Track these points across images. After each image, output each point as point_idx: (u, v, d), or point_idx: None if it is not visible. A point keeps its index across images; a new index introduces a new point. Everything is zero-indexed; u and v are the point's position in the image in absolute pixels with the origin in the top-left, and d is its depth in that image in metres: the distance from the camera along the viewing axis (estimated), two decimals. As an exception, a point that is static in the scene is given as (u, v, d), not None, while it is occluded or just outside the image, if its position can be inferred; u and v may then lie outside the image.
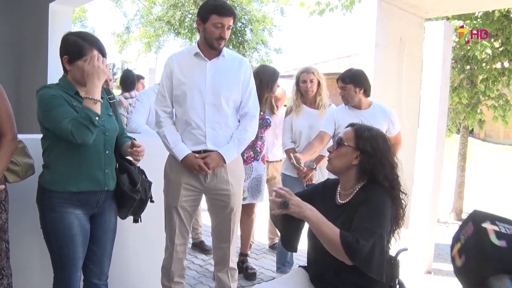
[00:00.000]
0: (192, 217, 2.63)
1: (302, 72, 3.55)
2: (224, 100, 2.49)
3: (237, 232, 2.70)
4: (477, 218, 1.07)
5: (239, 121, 2.65)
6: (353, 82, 3.15)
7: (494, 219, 1.07)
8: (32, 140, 2.22)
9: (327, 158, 2.04)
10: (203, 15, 2.42)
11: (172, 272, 2.61)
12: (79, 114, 1.91)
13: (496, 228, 1.05)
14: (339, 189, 2.01)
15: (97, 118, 1.92)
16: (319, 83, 3.52)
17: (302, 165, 2.76)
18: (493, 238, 1.03)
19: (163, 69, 2.58)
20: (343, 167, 1.94)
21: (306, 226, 2.09)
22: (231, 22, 2.42)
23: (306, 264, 2.10)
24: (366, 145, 1.88)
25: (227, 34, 2.43)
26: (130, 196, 2.20)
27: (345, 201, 1.94)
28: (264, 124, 3.52)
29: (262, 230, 4.70)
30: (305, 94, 3.54)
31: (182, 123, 2.51)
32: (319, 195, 2.08)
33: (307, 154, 2.98)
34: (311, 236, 2.01)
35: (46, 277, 2.16)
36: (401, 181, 1.94)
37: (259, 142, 3.56)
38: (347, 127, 2.04)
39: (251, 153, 3.51)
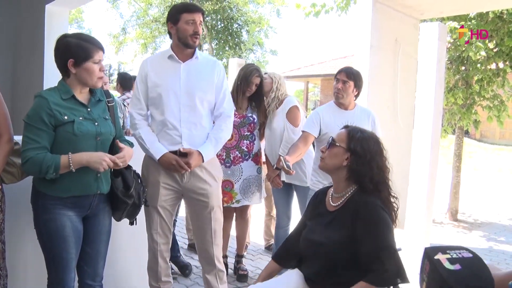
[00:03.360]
0: (173, 216, 2.66)
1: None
2: (198, 101, 2.52)
3: (220, 231, 2.68)
4: (430, 253, 1.17)
5: (214, 122, 2.66)
6: (355, 81, 3.11)
7: (444, 249, 1.18)
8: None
9: (320, 157, 2.06)
10: (174, 16, 2.48)
11: (159, 272, 2.63)
12: (49, 157, 1.92)
13: (448, 256, 1.16)
14: (331, 191, 2.04)
15: (52, 174, 1.93)
16: (276, 87, 3.56)
17: (291, 167, 2.75)
18: (447, 265, 1.13)
19: (138, 72, 2.62)
20: (333, 166, 1.97)
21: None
22: (201, 18, 2.48)
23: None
24: (356, 146, 1.91)
25: (200, 30, 2.48)
26: (123, 200, 2.20)
27: (337, 204, 1.96)
28: (246, 122, 3.47)
29: (258, 231, 4.71)
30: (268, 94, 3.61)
31: (158, 124, 2.54)
32: (311, 207, 2.13)
33: (293, 156, 2.93)
34: (304, 238, 2.03)
35: (41, 277, 2.16)
36: (391, 184, 1.95)
37: (246, 141, 3.49)
38: (342, 128, 2.06)
39: (237, 153, 3.46)
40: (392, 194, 1.94)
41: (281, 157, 2.77)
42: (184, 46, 2.50)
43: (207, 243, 2.63)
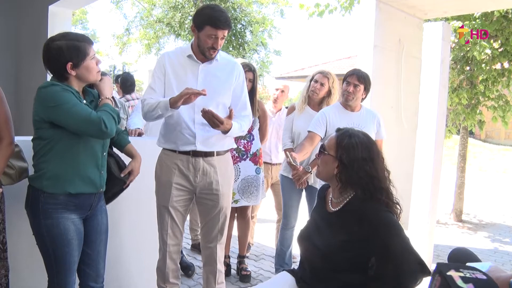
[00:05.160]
0: (184, 217, 2.63)
1: (319, 72, 3.56)
2: (214, 104, 2.46)
3: (225, 232, 2.68)
4: (442, 269, 1.17)
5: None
6: (365, 84, 3.09)
7: (458, 267, 1.19)
8: (30, 142, 2.21)
9: (317, 164, 2.03)
10: (198, 24, 2.40)
11: (167, 273, 2.61)
12: (106, 107, 2.03)
13: (461, 274, 1.16)
14: (330, 195, 1.99)
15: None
16: (330, 92, 3.50)
17: (298, 164, 2.73)
18: (460, 282, 1.13)
19: (156, 64, 2.55)
20: (327, 174, 1.91)
21: (297, 231, 2.08)
22: (225, 33, 2.40)
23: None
24: (343, 154, 1.81)
25: (220, 44, 2.42)
26: (120, 179, 2.23)
27: (336, 209, 1.91)
28: None
29: (262, 232, 4.70)
30: (311, 95, 3.51)
31: (172, 123, 2.51)
32: (316, 206, 2.09)
33: (300, 154, 2.92)
34: (301, 238, 2.01)
35: (42, 277, 2.15)
36: (392, 188, 1.85)
37: (243, 141, 3.50)
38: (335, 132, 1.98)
39: (234, 152, 3.45)
40: (394, 200, 1.84)
41: (288, 153, 2.76)
42: (201, 54, 2.47)
43: (211, 242, 2.63)
